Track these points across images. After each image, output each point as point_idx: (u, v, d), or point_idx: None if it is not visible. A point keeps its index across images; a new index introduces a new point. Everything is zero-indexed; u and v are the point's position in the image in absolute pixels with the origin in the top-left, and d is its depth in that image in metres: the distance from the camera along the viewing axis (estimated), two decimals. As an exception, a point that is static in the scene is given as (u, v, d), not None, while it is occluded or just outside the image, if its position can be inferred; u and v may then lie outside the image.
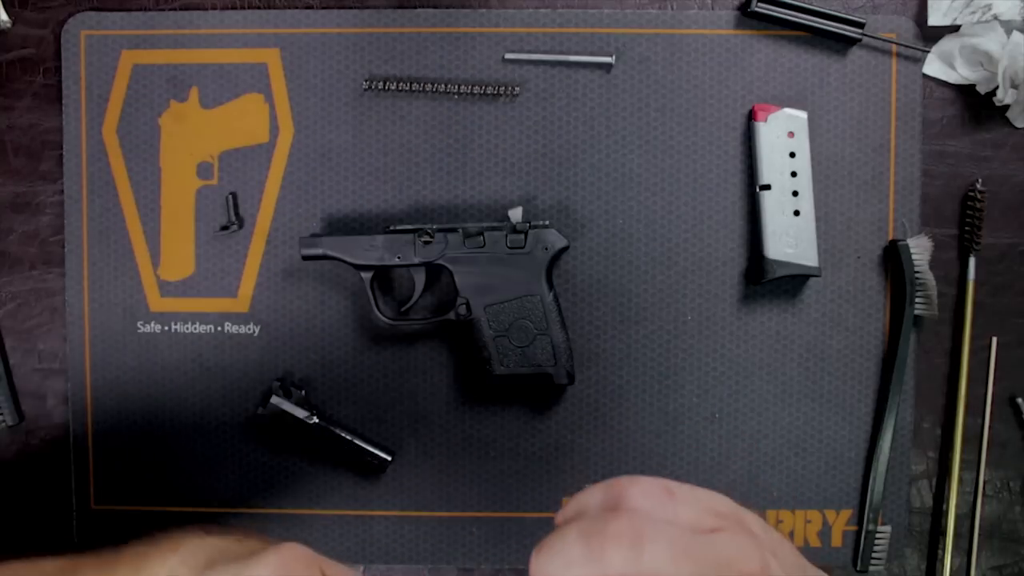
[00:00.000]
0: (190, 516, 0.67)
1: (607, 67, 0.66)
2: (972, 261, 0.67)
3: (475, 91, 0.66)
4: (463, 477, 0.67)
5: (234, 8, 0.67)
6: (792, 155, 0.65)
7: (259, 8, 0.66)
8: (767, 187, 0.65)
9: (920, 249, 0.65)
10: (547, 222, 0.64)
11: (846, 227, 0.67)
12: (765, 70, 0.66)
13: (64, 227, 0.67)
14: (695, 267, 0.67)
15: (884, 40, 0.66)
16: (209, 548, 0.49)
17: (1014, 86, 0.65)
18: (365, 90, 0.66)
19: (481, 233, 0.63)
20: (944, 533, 0.67)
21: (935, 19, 0.66)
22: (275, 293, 0.67)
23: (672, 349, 0.67)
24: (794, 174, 0.65)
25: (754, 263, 0.66)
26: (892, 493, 0.67)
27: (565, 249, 0.64)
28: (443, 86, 0.66)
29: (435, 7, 0.66)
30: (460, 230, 0.63)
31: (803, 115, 0.65)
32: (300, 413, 0.65)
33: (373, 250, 0.63)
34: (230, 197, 0.66)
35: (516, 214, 0.64)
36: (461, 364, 0.67)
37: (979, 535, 0.67)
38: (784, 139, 0.65)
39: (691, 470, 0.67)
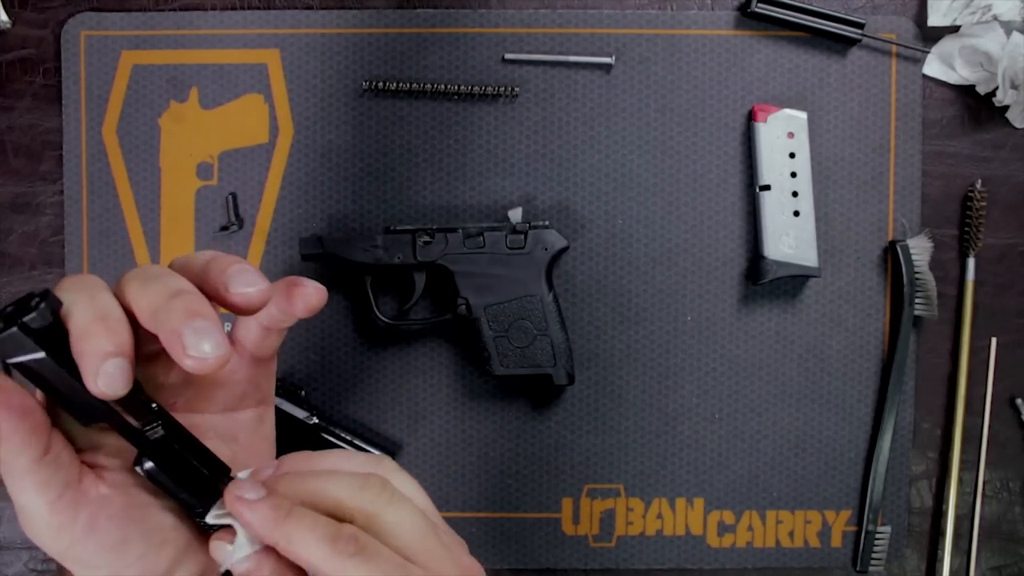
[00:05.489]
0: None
1: (607, 67, 0.66)
2: (972, 261, 0.67)
3: (475, 91, 0.66)
4: (463, 477, 0.67)
5: (234, 8, 0.67)
6: (792, 155, 0.65)
7: (259, 8, 0.66)
8: (767, 187, 0.65)
9: (920, 249, 0.66)
10: (547, 222, 0.64)
11: (846, 227, 0.67)
12: (765, 70, 0.66)
13: (64, 227, 0.67)
14: (695, 267, 0.67)
15: (884, 41, 0.66)
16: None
17: (1014, 86, 0.65)
18: (365, 90, 0.66)
19: (481, 233, 0.63)
20: (944, 533, 0.67)
21: (935, 19, 0.66)
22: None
23: (672, 349, 0.67)
24: (794, 174, 0.65)
25: (754, 263, 0.66)
26: (892, 493, 0.67)
27: (565, 249, 0.64)
28: (443, 87, 0.65)
29: (435, 7, 0.66)
30: (460, 230, 0.63)
31: (803, 115, 0.65)
32: (300, 413, 0.65)
33: (373, 250, 0.63)
34: (230, 197, 0.66)
35: (516, 214, 0.64)
36: (461, 364, 0.67)
37: (979, 535, 0.67)
38: (784, 139, 0.65)
39: (691, 470, 0.67)
